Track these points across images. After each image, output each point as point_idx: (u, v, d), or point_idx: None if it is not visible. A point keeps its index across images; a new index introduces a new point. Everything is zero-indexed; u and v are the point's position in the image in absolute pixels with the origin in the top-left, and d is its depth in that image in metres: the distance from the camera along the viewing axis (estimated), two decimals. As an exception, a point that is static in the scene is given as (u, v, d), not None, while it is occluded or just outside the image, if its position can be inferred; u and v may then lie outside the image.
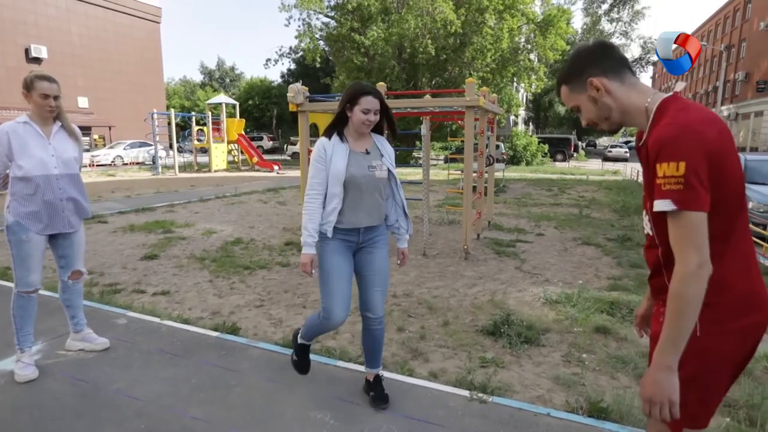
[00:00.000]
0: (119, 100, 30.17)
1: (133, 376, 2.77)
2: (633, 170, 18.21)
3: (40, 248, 2.72)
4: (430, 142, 6.51)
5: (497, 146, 15.16)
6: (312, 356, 3.03)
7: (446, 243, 6.63)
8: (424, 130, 6.10)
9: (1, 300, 3.81)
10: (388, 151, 2.44)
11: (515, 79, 25.26)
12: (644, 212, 1.41)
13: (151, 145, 22.36)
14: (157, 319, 3.62)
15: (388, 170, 2.37)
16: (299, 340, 2.58)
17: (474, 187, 6.11)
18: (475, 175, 6.14)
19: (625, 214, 9.00)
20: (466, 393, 2.59)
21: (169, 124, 20.10)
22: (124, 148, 24.08)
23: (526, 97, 42.06)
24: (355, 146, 2.33)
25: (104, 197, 11.30)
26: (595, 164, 26.55)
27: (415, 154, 24.85)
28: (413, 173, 16.84)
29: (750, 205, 7.02)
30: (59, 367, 2.87)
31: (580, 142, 35.87)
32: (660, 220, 1.27)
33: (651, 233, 1.36)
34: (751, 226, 1.40)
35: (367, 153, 2.35)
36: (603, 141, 53.00)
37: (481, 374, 2.85)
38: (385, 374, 2.82)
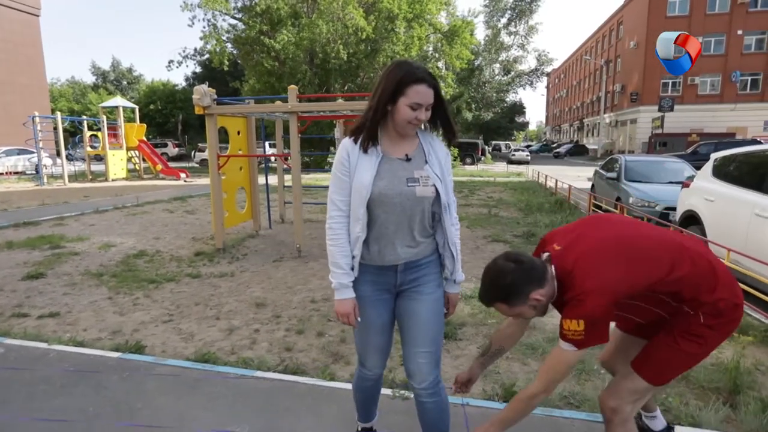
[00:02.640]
0: (-11, 101, 26.48)
1: (13, 412, 2.42)
2: (534, 172, 19.70)
3: None
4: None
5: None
6: (228, 369, 2.88)
7: (364, 246, 6.66)
8: (338, 133, 6.09)
9: None
10: (440, 155, 1.75)
11: (425, 86, 26.10)
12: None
13: (32, 152, 19.92)
14: (44, 345, 3.21)
15: (436, 186, 1.70)
16: (359, 426, 2.13)
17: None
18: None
19: (529, 212, 9.69)
20: (388, 392, 2.60)
21: (55, 128, 18.06)
22: (-2, 156, 21.20)
23: (436, 103, 43.63)
24: (391, 149, 1.71)
25: (-26, 212, 9.84)
26: (501, 167, 28.33)
27: (329, 159, 24.71)
28: (327, 179, 16.73)
29: (630, 200, 7.91)
30: None
31: (486, 147, 38.07)
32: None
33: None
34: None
35: (407, 160, 1.71)
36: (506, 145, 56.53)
37: (402, 372, 2.87)
38: (306, 380, 2.75)
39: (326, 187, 7.63)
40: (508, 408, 1.73)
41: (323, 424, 2.31)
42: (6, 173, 20.55)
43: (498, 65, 45.24)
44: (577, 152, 42.67)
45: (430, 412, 1.80)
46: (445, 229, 1.76)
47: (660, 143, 27.97)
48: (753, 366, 2.89)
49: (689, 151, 22.29)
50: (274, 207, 8.83)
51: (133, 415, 2.38)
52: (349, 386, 2.67)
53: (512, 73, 45.85)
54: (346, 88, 23.05)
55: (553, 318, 3.82)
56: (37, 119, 17.13)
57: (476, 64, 40.11)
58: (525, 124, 64.12)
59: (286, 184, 9.02)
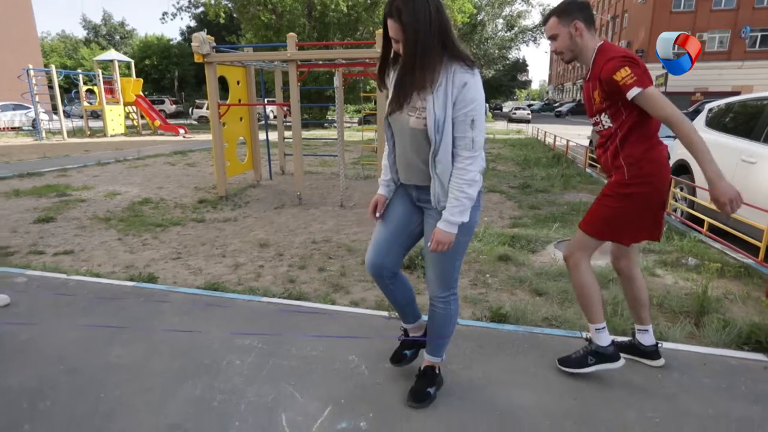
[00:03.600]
0: (-23, 56, 25.76)
1: (44, 327, 2.65)
2: (534, 129, 19.63)
3: None
4: (343, 97, 6.54)
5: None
6: (235, 296, 3.11)
7: (363, 195, 6.80)
8: (337, 82, 6.12)
9: None
10: (450, 87, 1.61)
11: (426, 42, 25.48)
12: (597, 117, 2.04)
13: (28, 107, 19.74)
14: (63, 275, 3.42)
15: (434, 119, 1.63)
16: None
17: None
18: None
19: (527, 166, 9.80)
20: (384, 313, 2.83)
21: (51, 86, 17.81)
22: (-5, 112, 20.97)
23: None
24: None
25: (-23, 164, 9.94)
26: (501, 125, 28.13)
27: (329, 116, 24.54)
28: (328, 135, 16.73)
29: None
30: (-48, 326, 2.65)
31: (487, 105, 37.56)
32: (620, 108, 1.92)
33: (607, 127, 2.01)
34: None
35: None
36: (508, 105, 55.93)
37: (399, 299, 3.10)
38: (310, 305, 2.98)
39: (326, 140, 7.74)
40: (702, 151, 1.75)
41: (328, 337, 2.54)
42: (3, 128, 20.43)
43: (501, 20, 43.93)
44: (579, 111, 42.13)
45: (437, 317, 1.98)
46: (442, 159, 1.68)
47: (663, 102, 27.60)
48: (723, 295, 3.12)
49: (691, 109, 22.06)
50: (275, 160, 8.93)
51: (152, 329, 2.62)
52: (349, 309, 2.91)
53: (516, 28, 44.58)
54: (345, 42, 22.55)
55: (540, 257, 4.03)
56: (32, 72, 16.89)
57: (479, 19, 38.96)
58: (527, 83, 62.91)
59: (286, 136, 9.08)
